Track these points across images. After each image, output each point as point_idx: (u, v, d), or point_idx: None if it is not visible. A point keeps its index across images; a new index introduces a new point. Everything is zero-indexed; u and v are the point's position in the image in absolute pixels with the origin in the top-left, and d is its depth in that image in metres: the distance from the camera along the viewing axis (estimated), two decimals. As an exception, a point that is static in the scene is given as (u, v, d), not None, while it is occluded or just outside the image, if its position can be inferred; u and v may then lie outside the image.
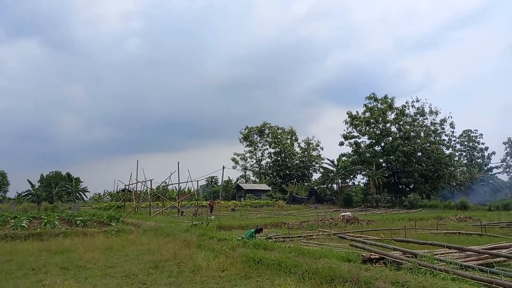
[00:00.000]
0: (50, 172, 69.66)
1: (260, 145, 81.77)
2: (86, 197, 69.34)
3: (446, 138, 56.83)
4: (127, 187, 41.02)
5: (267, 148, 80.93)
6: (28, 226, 19.57)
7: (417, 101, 55.59)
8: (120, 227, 19.30)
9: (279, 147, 77.16)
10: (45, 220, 21.26)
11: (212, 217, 27.49)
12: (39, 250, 12.63)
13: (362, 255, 8.66)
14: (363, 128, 56.04)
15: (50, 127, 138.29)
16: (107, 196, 63.50)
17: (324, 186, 63.50)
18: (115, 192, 54.31)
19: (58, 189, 62.58)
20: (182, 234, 15.77)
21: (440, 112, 55.97)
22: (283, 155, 77.64)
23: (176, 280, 8.11)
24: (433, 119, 55.47)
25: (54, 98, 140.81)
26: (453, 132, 57.35)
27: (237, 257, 10.19)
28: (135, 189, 39.64)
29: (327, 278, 7.43)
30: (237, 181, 77.56)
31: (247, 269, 9.03)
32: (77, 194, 66.29)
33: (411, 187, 53.63)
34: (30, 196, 59.45)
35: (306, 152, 79.91)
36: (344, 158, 59.49)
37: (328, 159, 62.15)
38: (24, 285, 7.82)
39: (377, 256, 8.57)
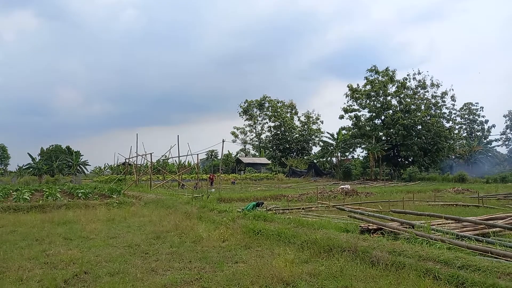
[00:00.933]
0: (50, 146, 69.87)
1: (259, 119, 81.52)
2: (87, 170, 69.82)
3: (447, 111, 56.54)
4: (127, 160, 41.23)
5: (266, 122, 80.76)
6: (30, 198, 19.83)
7: (419, 73, 55.03)
8: (122, 199, 19.56)
9: (279, 120, 76.95)
10: (46, 193, 21.52)
11: (213, 190, 27.77)
12: (42, 222, 12.85)
13: (360, 226, 8.81)
14: (364, 101, 55.64)
15: (49, 102, 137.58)
16: (108, 170, 63.93)
17: (324, 159, 63.79)
18: (115, 165, 54.65)
19: (58, 163, 62.91)
20: (183, 206, 15.99)
21: (441, 85, 55.52)
22: (283, 128, 77.56)
23: (177, 250, 8.29)
24: (434, 92, 55.07)
25: (53, 73, 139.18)
26: (453, 105, 57.01)
27: (237, 228, 10.39)
28: (135, 162, 39.87)
29: (326, 248, 7.60)
30: (237, 154, 77.94)
31: (247, 239, 9.22)
32: (78, 168, 66.69)
33: (410, 160, 53.89)
34: (31, 169, 59.83)
35: (306, 126, 79.77)
36: (344, 131, 59.44)
37: (328, 133, 62.16)
38: (29, 254, 7.99)
39: (374, 227, 8.73)
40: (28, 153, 63.02)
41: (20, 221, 12.99)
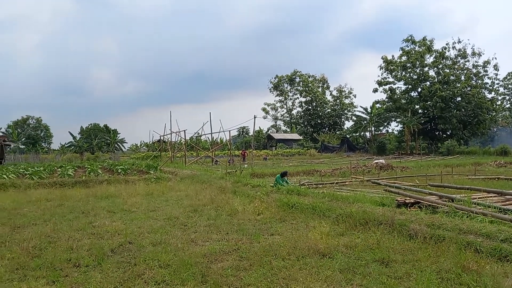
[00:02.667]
0: (89, 125, 72.90)
1: (290, 94, 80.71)
2: (124, 147, 72.49)
3: (489, 82, 53.47)
4: (162, 137, 42.32)
5: (297, 97, 79.83)
6: (74, 174, 20.92)
7: (459, 42, 52.10)
8: (159, 175, 20.23)
9: (310, 95, 75.79)
10: (88, 169, 22.61)
11: (245, 165, 28.13)
12: (87, 196, 13.58)
13: (396, 200, 8.69)
14: (399, 73, 53.68)
15: (86, 82, 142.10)
16: (144, 147, 66.03)
17: (357, 134, 62.69)
18: (150, 143, 56.26)
19: (98, 141, 65.66)
20: (217, 181, 16.34)
21: (483, 54, 52.36)
22: (314, 103, 76.42)
23: (214, 222, 8.54)
24: (476, 62, 52.09)
25: (87, 53, 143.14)
26: (496, 74, 53.75)
27: (271, 202, 10.53)
28: (169, 139, 40.86)
29: (361, 221, 7.58)
30: (268, 131, 77.98)
31: (281, 213, 9.34)
32: (116, 145, 69.35)
33: (448, 133, 51.94)
34: (73, 147, 62.90)
35: (338, 100, 78.27)
36: (378, 105, 57.85)
37: (361, 107, 60.70)
38: (77, 226, 8.51)
39: (412, 201, 8.58)
40: (69, 131, 66.19)
41: (66, 195, 13.77)
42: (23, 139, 72.60)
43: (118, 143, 70.86)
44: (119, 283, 4.95)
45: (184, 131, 35.51)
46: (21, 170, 21.47)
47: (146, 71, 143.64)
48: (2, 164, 31.25)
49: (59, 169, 23.68)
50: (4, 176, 18.51)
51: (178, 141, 40.41)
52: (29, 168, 22.43)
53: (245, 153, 37.93)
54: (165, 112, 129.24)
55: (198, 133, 40.79)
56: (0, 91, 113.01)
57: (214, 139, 48.90)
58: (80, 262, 5.80)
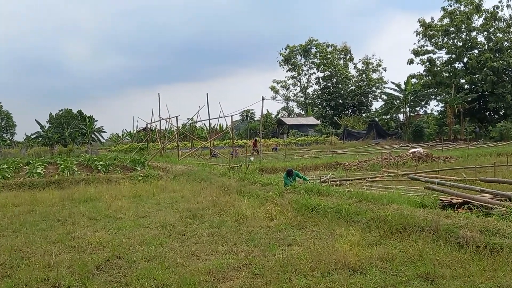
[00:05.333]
0: (59, 111, 73.54)
1: (305, 68, 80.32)
2: (103, 138, 73.19)
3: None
4: (149, 125, 42.52)
5: (314, 72, 79.54)
6: (44, 173, 21.18)
7: (515, -1, 51.26)
8: (147, 172, 20.43)
9: (330, 69, 75.41)
10: (62, 166, 22.87)
11: (252, 158, 28.20)
12: (61, 199, 13.77)
13: (440, 200, 8.74)
14: (440, 40, 53.15)
15: (53, 57, 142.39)
16: (127, 137, 66.53)
17: (388, 117, 62.45)
18: (135, 132, 56.60)
19: (70, 130, 66.21)
20: (219, 179, 16.47)
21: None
22: (335, 79, 76.12)
23: (218, 231, 8.64)
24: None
25: (55, 19, 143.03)
26: None
27: (286, 205, 10.61)
28: (158, 127, 41.03)
29: (399, 227, 7.62)
30: (277, 114, 78.04)
31: (299, 217, 9.41)
32: (93, 135, 69.93)
33: (501, 113, 51.54)
34: (41, 138, 63.57)
35: (364, 75, 77.84)
36: (413, 80, 57.44)
37: (393, 83, 60.30)
38: (53, 237, 8.65)
39: (459, 200, 8.61)
40: (36, 120, 66.81)
41: (37, 199, 13.96)
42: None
43: (96, 133, 71.50)
44: (109, 308, 5.06)
45: (176, 117, 35.65)
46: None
47: (128, 42, 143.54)
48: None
49: (26, 167, 24.01)
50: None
51: (169, 130, 40.57)
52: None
53: (256, 143, 38.26)
54: (153, 94, 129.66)
55: (193, 119, 40.93)
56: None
57: (212, 126, 49.06)
58: (60, 283, 5.92)
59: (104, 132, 73.10)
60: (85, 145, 59.21)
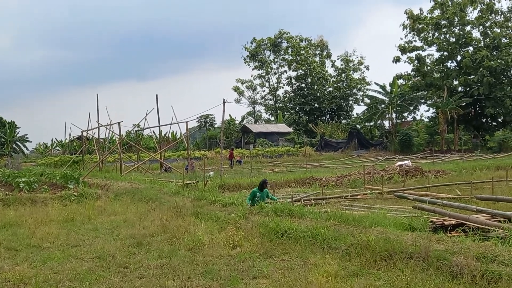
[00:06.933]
0: (-30, 116, 70.88)
1: (275, 66, 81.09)
2: (27, 149, 71.03)
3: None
4: (85, 133, 41.67)
5: (285, 71, 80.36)
6: (-49, 192, 20.35)
7: (514, -11, 53.60)
8: (82, 190, 19.98)
9: (303, 68, 76.25)
10: (-26, 184, 22.04)
11: (211, 173, 28.10)
12: (-28, 225, 13.24)
13: (431, 221, 8.92)
14: (430, 35, 54.70)
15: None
16: (57, 148, 64.88)
17: (371, 124, 63.50)
18: (68, 141, 55.35)
19: (-15, 140, 63.98)
20: (171, 199, 16.28)
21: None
22: (310, 79, 77.00)
23: (169, 262, 8.52)
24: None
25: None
26: None
27: (252, 229, 10.59)
28: (96, 136, 40.27)
29: (383, 254, 7.72)
30: (242, 120, 78.23)
31: (267, 244, 9.40)
32: (14, 146, 67.82)
33: (499, 120, 53.25)
34: None
35: (343, 75, 79.09)
36: (400, 81, 58.82)
37: (377, 84, 61.48)
38: (-40, 273, 8.29)
39: (453, 222, 8.82)
40: None
41: None
42: None
43: (18, 143, 69.33)
44: None
45: (119, 123, 35.05)
46: None
47: (58, 31, 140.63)
48: None
49: None
50: None
51: (110, 139, 39.93)
52: None
53: (233, 154, 38.63)
54: (90, 94, 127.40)
55: (140, 126, 40.40)
56: None
57: (163, 135, 48.56)
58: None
59: (29, 141, 71.05)
60: (4, 157, 57.38)
